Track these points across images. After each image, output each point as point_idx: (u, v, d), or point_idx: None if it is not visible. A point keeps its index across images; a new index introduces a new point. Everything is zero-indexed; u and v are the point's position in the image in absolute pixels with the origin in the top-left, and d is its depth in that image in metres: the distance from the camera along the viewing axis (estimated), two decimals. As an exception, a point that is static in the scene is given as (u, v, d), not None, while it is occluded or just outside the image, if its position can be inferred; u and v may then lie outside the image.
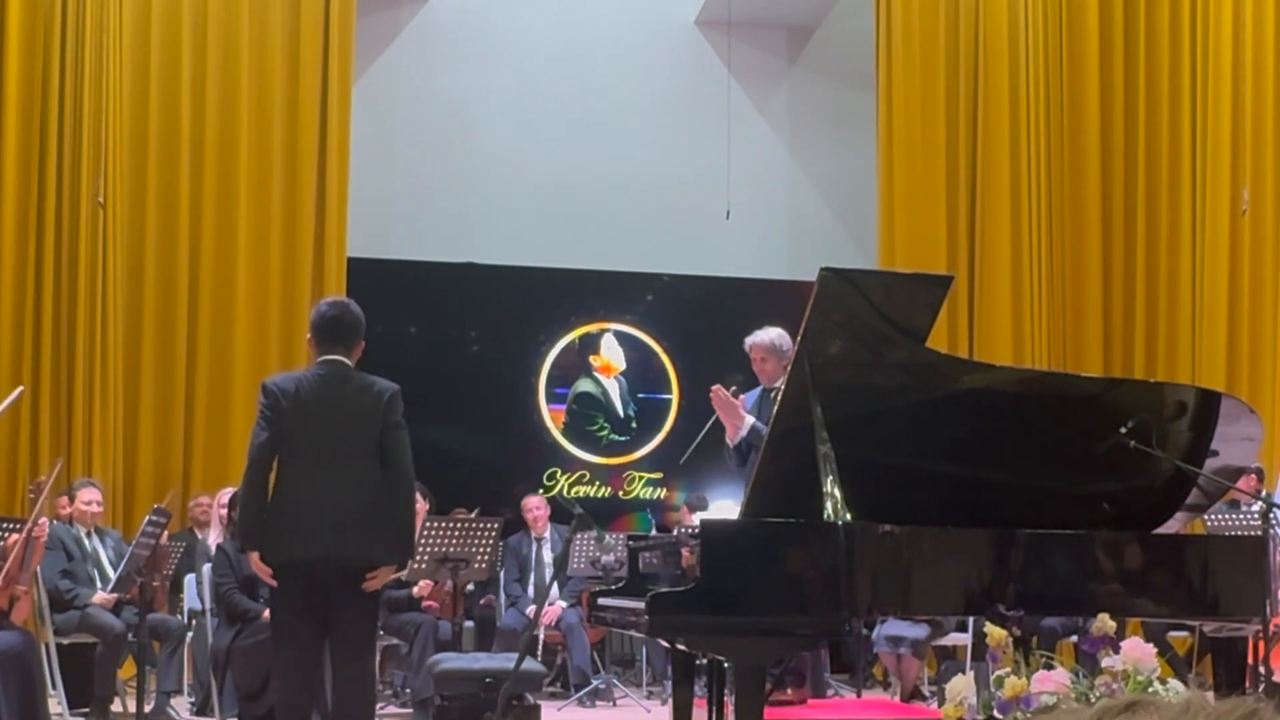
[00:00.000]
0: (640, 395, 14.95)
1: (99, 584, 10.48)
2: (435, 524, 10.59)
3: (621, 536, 11.08)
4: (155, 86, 13.13)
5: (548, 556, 12.25)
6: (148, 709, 8.92)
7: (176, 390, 13.09)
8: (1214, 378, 13.06)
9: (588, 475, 14.75)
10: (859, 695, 11.00)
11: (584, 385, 14.88)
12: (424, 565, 10.53)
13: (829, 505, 6.61)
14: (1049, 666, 6.57)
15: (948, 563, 6.79)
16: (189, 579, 10.93)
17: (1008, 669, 6.59)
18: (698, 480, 13.71)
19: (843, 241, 14.93)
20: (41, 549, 9.02)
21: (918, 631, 10.55)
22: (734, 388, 8.62)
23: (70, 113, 12.87)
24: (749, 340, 8.74)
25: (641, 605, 6.84)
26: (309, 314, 12.78)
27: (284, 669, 7.32)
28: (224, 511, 10.57)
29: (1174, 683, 6.90)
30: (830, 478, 6.67)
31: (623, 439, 14.91)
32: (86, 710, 10.08)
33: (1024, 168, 14.58)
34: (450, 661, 7.78)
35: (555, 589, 11.83)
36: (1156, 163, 14.65)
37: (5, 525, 8.95)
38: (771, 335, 8.46)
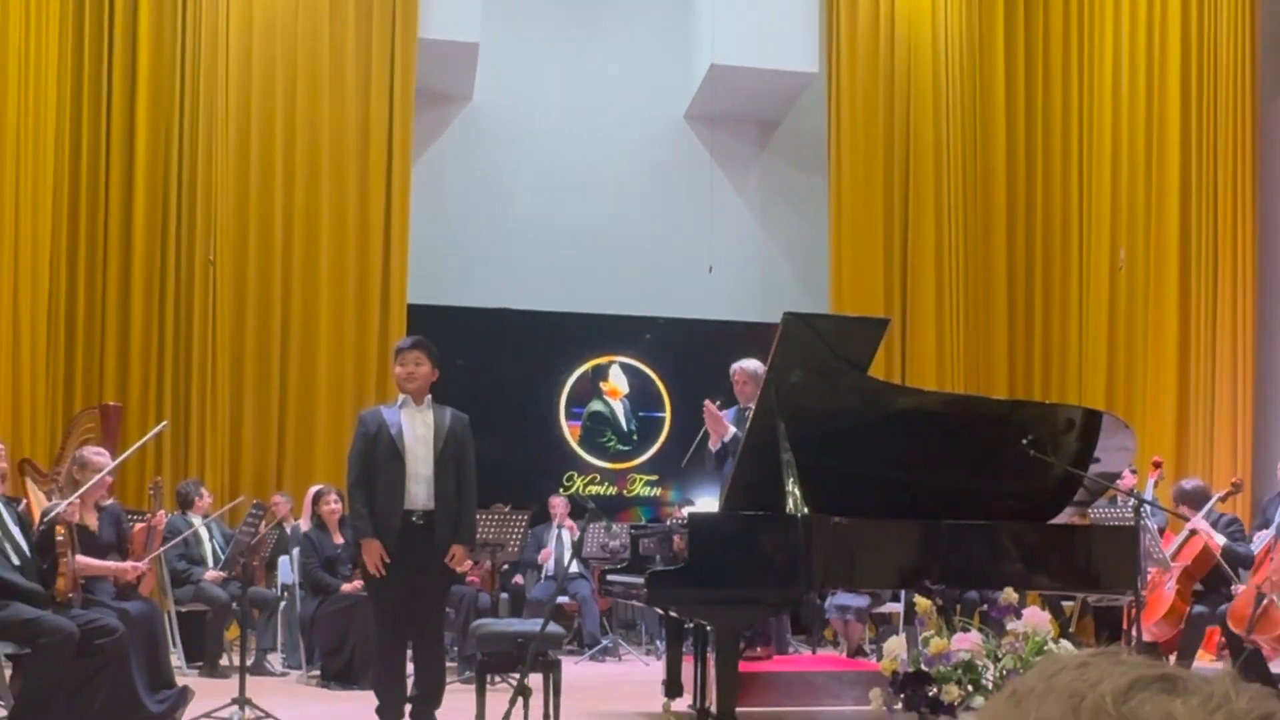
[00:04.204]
0: (640, 414, 14.94)
1: (210, 564, 10.53)
2: (477, 516, 10.57)
3: (625, 526, 11.11)
4: (255, 167, 13.17)
5: (566, 539, 12.31)
6: (249, 663, 8.96)
7: (271, 411, 13.12)
8: (1096, 399, 13.11)
9: (598, 477, 14.76)
10: (814, 652, 10.99)
11: (595, 405, 14.89)
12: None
13: (790, 502, 6.67)
14: (965, 629, 6.62)
15: (885, 547, 6.84)
16: (282, 559, 10.98)
17: (932, 632, 6.63)
18: (686, 482, 13.75)
19: (801, 291, 14.94)
20: (161, 536, 9.04)
21: (861, 601, 10.56)
22: (718, 401, 8.67)
23: (187, 188, 12.93)
24: (735, 366, 8.75)
25: (642, 581, 6.90)
26: (374, 354, 12.96)
27: None
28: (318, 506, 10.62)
29: (1064, 642, 6.94)
30: (791, 480, 6.73)
31: (626, 449, 14.91)
32: (200, 664, 10.13)
33: (945, 233, 14.61)
34: (489, 625, 7.82)
35: (574, 566, 11.90)
36: (1051, 230, 14.72)
37: (134, 516, 8.99)
38: (753, 364, 8.47)
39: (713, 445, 8.63)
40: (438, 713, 7.29)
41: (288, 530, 10.90)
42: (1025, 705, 0.82)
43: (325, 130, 13.40)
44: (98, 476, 7.81)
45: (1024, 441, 7.20)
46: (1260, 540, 9.16)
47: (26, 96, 11.47)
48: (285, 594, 11.01)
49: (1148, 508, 8.96)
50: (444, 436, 7.24)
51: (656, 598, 6.90)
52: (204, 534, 10.66)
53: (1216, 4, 12.05)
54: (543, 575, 12.22)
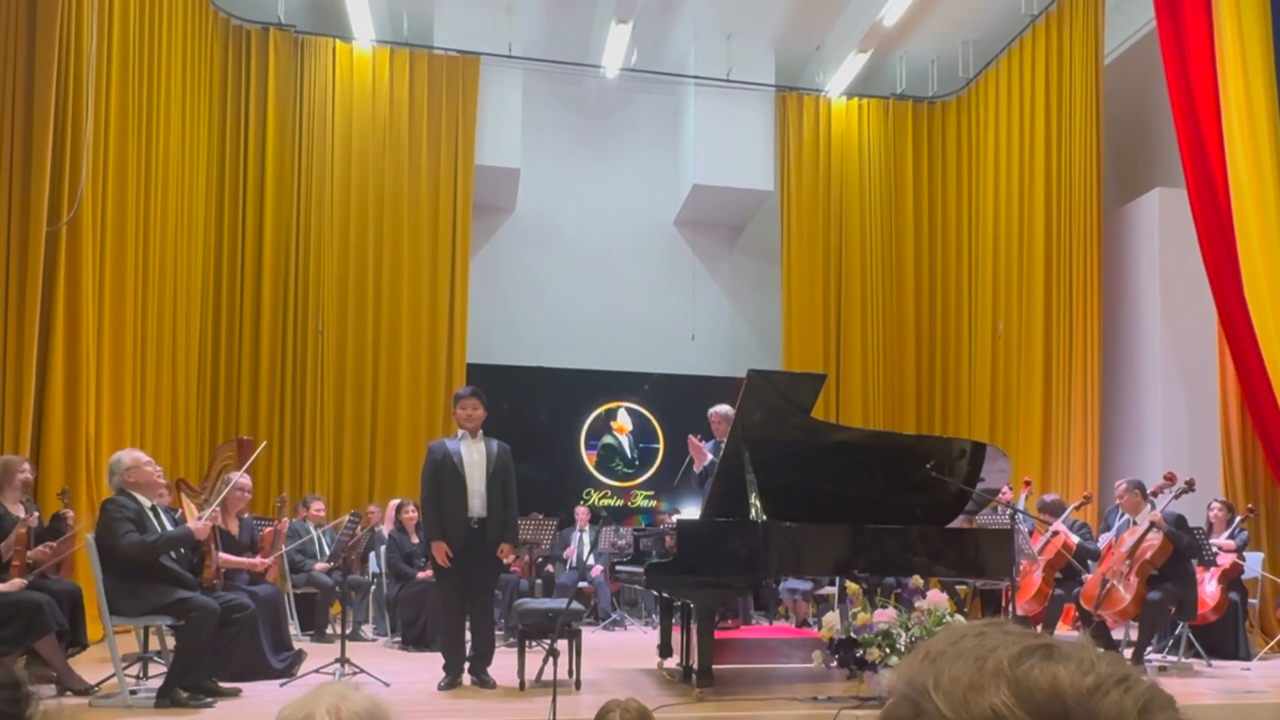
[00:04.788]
0: (641, 445, 14.90)
1: (319, 558, 10.54)
2: (518, 521, 10.62)
3: (629, 529, 11.10)
4: (353, 260, 13.26)
5: (586, 539, 12.30)
6: (348, 632, 8.95)
7: (364, 442, 13.14)
8: (981, 433, 13.16)
9: (609, 493, 14.72)
10: (770, 623, 10.97)
11: (607, 439, 14.85)
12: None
13: (753, 510, 6.71)
14: (884, 606, 6.63)
15: (823, 545, 6.85)
16: (372, 554, 10.98)
17: (860, 608, 6.65)
18: (675, 496, 13.75)
19: (761, 353, 14.98)
20: (284, 537, 9.06)
21: (806, 585, 10.52)
22: (699, 435, 8.69)
23: (301, 276, 13.05)
24: (711, 410, 8.73)
25: (642, 570, 6.94)
26: (442, 401, 13.00)
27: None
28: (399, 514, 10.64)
29: (958, 616, 6.96)
30: (754, 494, 6.77)
31: (630, 471, 14.88)
32: (311, 632, 10.11)
33: (868, 308, 14.72)
34: (527, 603, 7.83)
35: (591, 559, 11.91)
36: (948, 306, 14.81)
37: (262, 522, 9.01)
38: (726, 408, 8.46)
39: (696, 469, 8.66)
40: (489, 669, 7.32)
41: (376, 532, 10.92)
42: (938, 665, 0.82)
43: (405, 234, 13.48)
44: (227, 488, 7.80)
45: (928, 466, 7.25)
46: (1103, 540, 9.19)
47: (181, 211, 11.58)
48: (375, 580, 11.00)
49: (1020, 515, 8.98)
50: (493, 462, 7.35)
51: (653, 582, 6.92)
52: (316, 537, 10.68)
53: (1071, 135, 12.14)
54: (568, 565, 12.20)
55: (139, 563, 6.44)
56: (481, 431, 7.47)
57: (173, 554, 6.67)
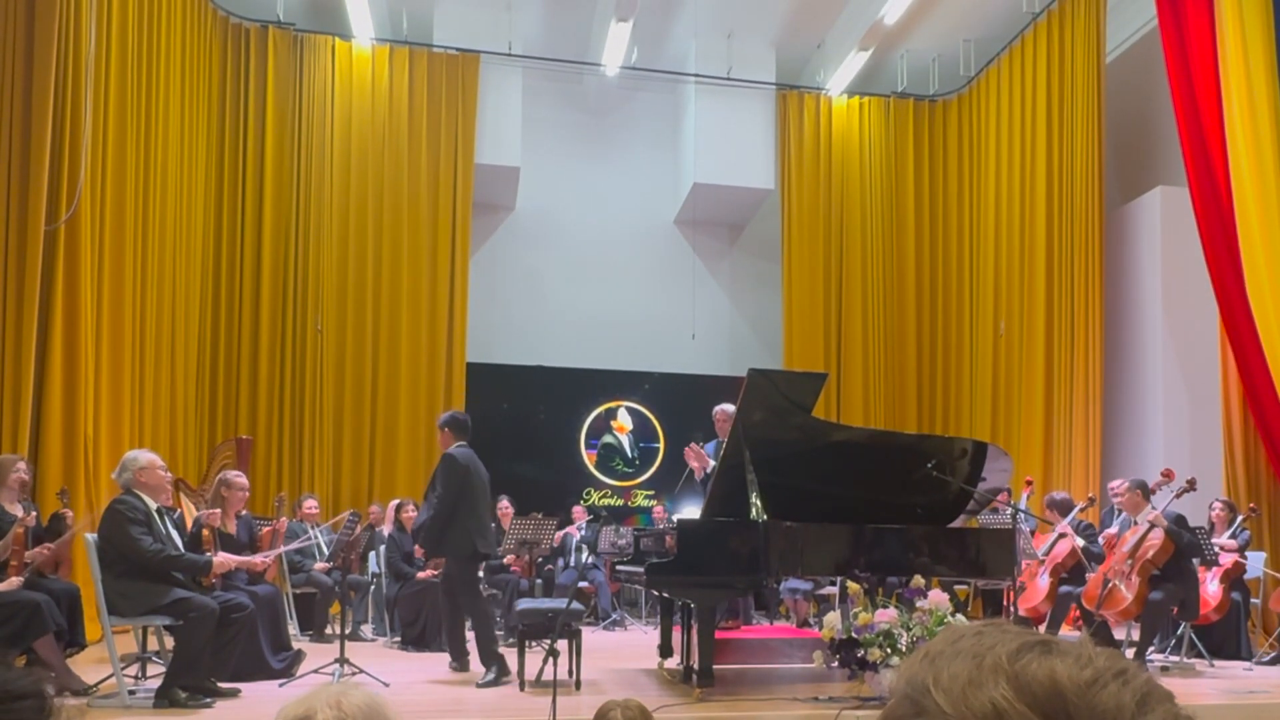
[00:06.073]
0: (641, 445, 14.90)
1: (318, 557, 10.53)
2: (519, 521, 10.64)
3: (630, 529, 11.09)
4: (352, 260, 13.26)
5: (584, 534, 12.30)
6: (347, 632, 8.94)
7: (364, 442, 13.14)
8: (983, 432, 13.16)
9: (609, 492, 14.71)
10: (771, 624, 10.96)
11: (608, 438, 14.85)
12: (511, 545, 10.59)
13: (754, 510, 6.71)
14: (885, 606, 6.63)
15: (825, 544, 6.85)
16: (372, 554, 10.97)
17: (860, 608, 6.64)
18: (675, 496, 13.74)
19: (762, 352, 14.98)
20: (282, 536, 9.05)
21: (806, 585, 10.52)
22: (698, 435, 8.68)
23: (301, 276, 13.04)
24: (717, 408, 8.71)
25: (642, 570, 6.93)
26: (442, 400, 13.00)
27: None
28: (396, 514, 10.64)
29: (960, 616, 6.95)
30: (755, 493, 6.77)
31: (630, 471, 14.88)
32: (310, 633, 10.10)
33: (869, 308, 14.72)
34: (527, 603, 7.82)
35: (589, 559, 11.90)
36: (949, 305, 14.80)
37: (260, 522, 9.00)
38: (730, 407, 8.48)
39: (697, 476, 8.66)
40: (490, 668, 7.35)
41: (375, 532, 10.90)
42: (938, 664, 0.83)
43: (405, 232, 13.48)
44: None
45: (929, 465, 7.25)
46: (1104, 538, 9.19)
47: (180, 210, 11.58)
48: (374, 580, 10.99)
49: (1022, 515, 8.98)
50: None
51: (654, 582, 6.92)
52: (314, 536, 10.68)
53: (1073, 135, 12.14)
54: (567, 551, 12.17)
55: (143, 566, 6.44)
56: (452, 448, 7.87)
57: (170, 554, 6.66)
